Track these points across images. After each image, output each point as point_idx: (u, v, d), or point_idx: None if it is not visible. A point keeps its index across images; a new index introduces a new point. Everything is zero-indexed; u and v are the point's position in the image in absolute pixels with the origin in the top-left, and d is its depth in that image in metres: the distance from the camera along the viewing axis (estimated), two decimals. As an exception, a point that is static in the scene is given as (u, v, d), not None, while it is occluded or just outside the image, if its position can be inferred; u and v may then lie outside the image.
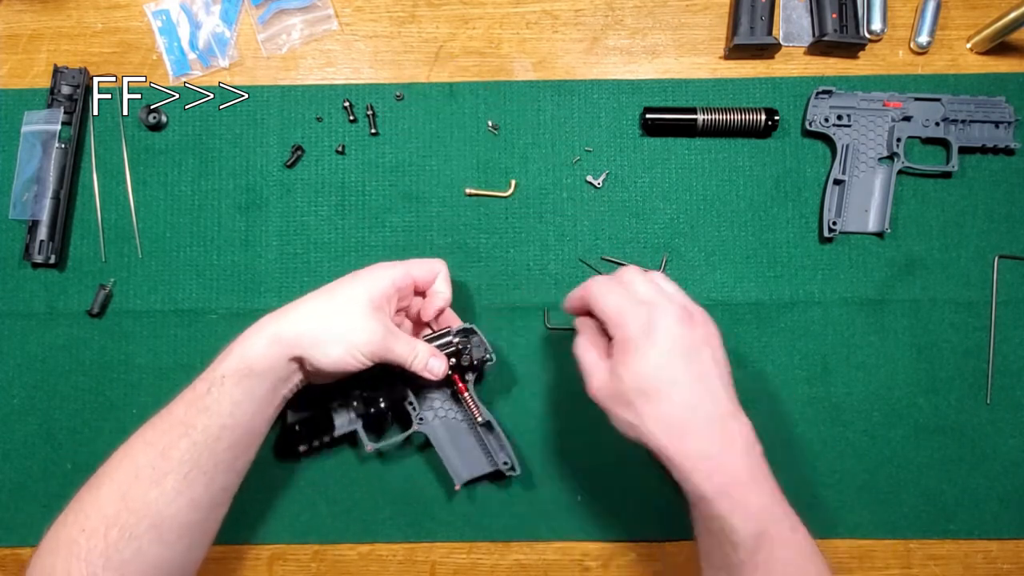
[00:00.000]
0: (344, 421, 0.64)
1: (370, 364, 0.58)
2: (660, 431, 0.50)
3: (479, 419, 0.64)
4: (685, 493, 0.52)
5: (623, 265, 0.70)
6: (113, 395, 0.68)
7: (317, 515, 0.67)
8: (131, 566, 0.50)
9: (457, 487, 0.65)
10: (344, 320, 0.56)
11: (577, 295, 0.57)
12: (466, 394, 0.64)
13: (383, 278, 0.59)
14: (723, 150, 0.71)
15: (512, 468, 0.65)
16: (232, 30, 0.72)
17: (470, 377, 0.65)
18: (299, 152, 0.71)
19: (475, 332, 0.64)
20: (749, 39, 0.70)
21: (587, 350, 0.55)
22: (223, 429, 0.54)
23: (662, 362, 0.50)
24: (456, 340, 0.63)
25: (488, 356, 0.64)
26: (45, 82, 0.70)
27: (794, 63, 0.73)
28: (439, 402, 0.66)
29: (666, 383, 0.50)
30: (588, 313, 0.57)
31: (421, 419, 0.65)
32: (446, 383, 0.65)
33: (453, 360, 0.63)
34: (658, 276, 0.56)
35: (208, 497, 0.54)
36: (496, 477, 0.66)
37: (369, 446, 0.63)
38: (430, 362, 0.61)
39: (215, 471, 0.54)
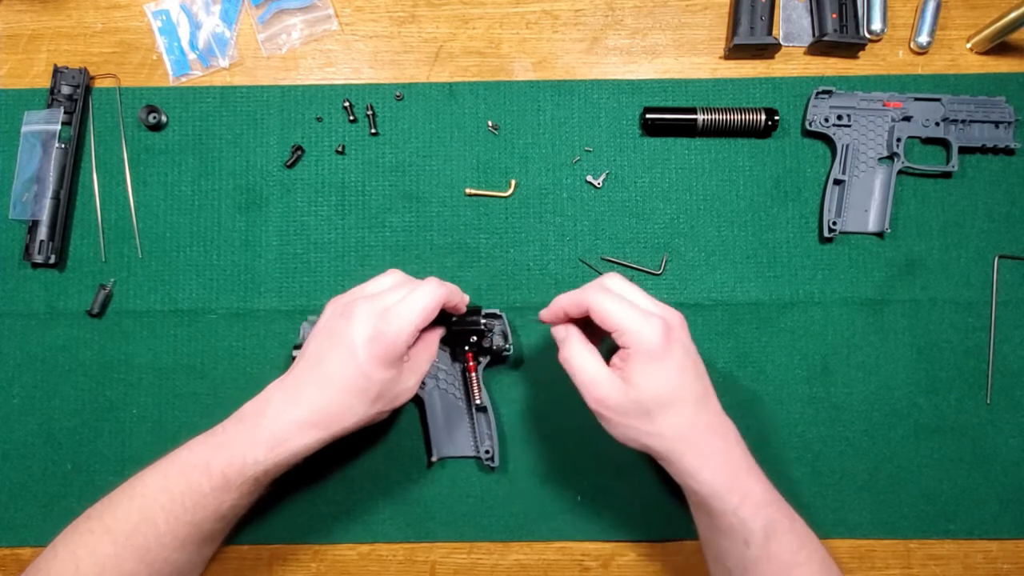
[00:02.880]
0: None
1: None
2: (677, 438, 0.52)
3: (477, 401, 0.65)
4: (694, 494, 0.53)
5: (623, 265, 0.70)
6: (113, 395, 0.68)
7: (317, 515, 0.67)
8: None
9: (434, 459, 0.66)
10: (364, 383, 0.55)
11: (570, 302, 0.55)
12: (473, 374, 0.65)
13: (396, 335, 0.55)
14: (723, 150, 0.71)
15: (491, 459, 0.66)
16: (232, 30, 0.72)
17: (483, 360, 0.66)
18: (299, 152, 0.71)
19: (501, 318, 0.66)
20: (749, 39, 0.70)
21: (588, 358, 0.54)
22: (248, 502, 0.57)
23: (680, 374, 0.52)
24: (483, 321, 0.64)
25: (507, 346, 0.65)
26: (45, 82, 0.70)
27: (794, 63, 0.73)
28: (444, 374, 0.67)
29: (682, 393, 0.52)
30: (573, 320, 0.57)
31: (423, 385, 0.65)
32: (459, 359, 0.66)
33: (474, 338, 0.64)
34: (635, 286, 0.56)
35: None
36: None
37: None
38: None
39: (228, 529, 0.58)
